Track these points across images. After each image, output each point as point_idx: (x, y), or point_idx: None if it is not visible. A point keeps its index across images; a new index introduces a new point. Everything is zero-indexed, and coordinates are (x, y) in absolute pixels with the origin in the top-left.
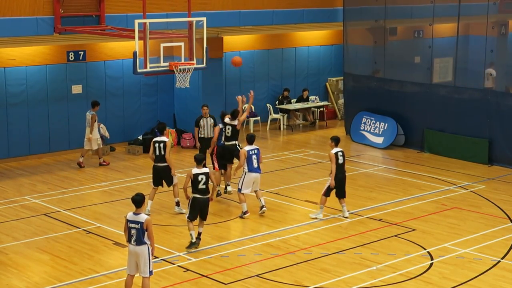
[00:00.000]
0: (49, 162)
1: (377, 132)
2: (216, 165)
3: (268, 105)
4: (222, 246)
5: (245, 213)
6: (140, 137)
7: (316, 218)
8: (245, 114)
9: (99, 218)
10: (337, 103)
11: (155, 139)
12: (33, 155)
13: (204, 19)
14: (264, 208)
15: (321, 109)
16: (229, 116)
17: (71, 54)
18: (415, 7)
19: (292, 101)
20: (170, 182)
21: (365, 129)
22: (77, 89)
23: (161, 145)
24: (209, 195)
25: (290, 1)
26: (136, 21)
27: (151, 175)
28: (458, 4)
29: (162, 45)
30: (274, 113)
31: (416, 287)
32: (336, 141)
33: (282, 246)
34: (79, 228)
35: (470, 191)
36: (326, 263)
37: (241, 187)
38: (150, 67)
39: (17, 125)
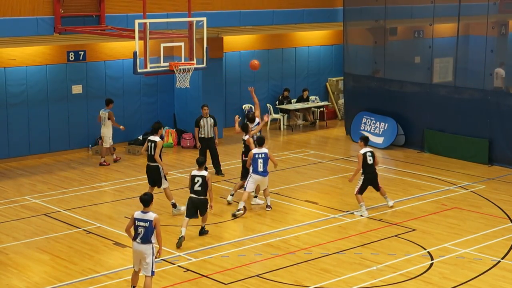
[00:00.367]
0: (49, 162)
1: (377, 132)
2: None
3: (268, 105)
4: (222, 246)
5: (238, 210)
6: (140, 137)
7: (361, 216)
8: (258, 127)
9: (99, 218)
10: (337, 103)
11: (149, 137)
12: (33, 155)
13: (204, 19)
14: (268, 208)
15: (321, 109)
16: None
17: (71, 54)
18: (415, 7)
19: (292, 101)
20: (159, 183)
21: (365, 129)
22: (77, 89)
23: (152, 144)
24: (205, 197)
25: (290, 1)
26: (136, 21)
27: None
28: (458, 4)
29: (162, 45)
30: (274, 113)
31: (416, 287)
32: (365, 140)
33: (282, 246)
34: (79, 228)
35: (470, 191)
36: (326, 263)
37: (246, 186)
38: (150, 67)
39: (17, 125)
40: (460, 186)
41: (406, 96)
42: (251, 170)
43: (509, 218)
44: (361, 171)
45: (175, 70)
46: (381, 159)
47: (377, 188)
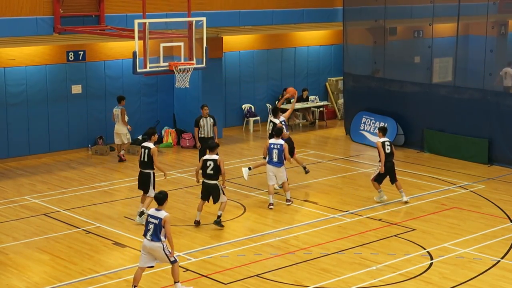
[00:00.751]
0: (48, 162)
1: (377, 132)
2: None
3: (268, 105)
4: (221, 246)
5: (269, 204)
6: (140, 137)
7: (380, 202)
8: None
9: (99, 218)
10: (337, 103)
11: (143, 143)
12: (33, 155)
13: (204, 19)
14: (288, 203)
15: (321, 109)
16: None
17: (71, 54)
18: (415, 7)
19: (291, 101)
20: (146, 190)
21: (365, 129)
22: (76, 89)
23: (146, 151)
24: (216, 181)
25: (290, 1)
26: (136, 21)
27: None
28: (458, 4)
29: (161, 45)
30: None
31: (416, 287)
32: (383, 131)
33: (282, 246)
34: (79, 228)
35: (470, 191)
36: (326, 263)
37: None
38: (150, 67)
39: (17, 125)
40: (460, 186)
41: (405, 96)
42: (266, 160)
43: (509, 218)
44: (379, 159)
45: (174, 70)
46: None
47: (394, 179)
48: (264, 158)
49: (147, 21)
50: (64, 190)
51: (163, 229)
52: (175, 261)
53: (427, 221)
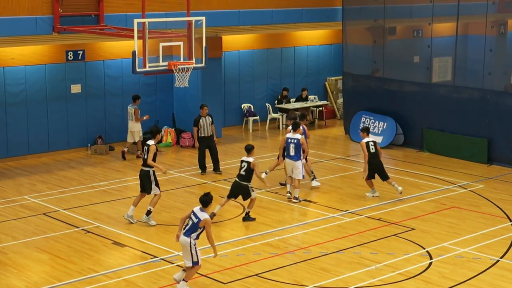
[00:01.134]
0: (48, 161)
1: (376, 131)
2: None
3: (267, 104)
4: (221, 245)
5: (295, 198)
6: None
7: (373, 196)
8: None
9: (98, 218)
10: (336, 102)
11: (146, 142)
12: (32, 155)
13: (203, 18)
14: (294, 200)
15: (320, 108)
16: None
17: (70, 54)
18: (414, 6)
19: (291, 100)
20: (148, 189)
21: None
22: (76, 88)
23: (146, 148)
24: (246, 182)
25: (289, 0)
26: (135, 21)
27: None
28: (457, 3)
29: (161, 44)
30: (273, 112)
31: (416, 287)
32: (366, 131)
33: (281, 246)
34: (78, 227)
35: (469, 190)
36: (325, 262)
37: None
38: (149, 67)
39: (16, 125)
40: (459, 186)
41: (405, 96)
42: (285, 154)
43: (508, 218)
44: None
45: (174, 70)
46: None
47: (385, 177)
48: (278, 158)
49: (146, 20)
50: (63, 190)
51: (198, 229)
52: (197, 263)
53: (427, 221)
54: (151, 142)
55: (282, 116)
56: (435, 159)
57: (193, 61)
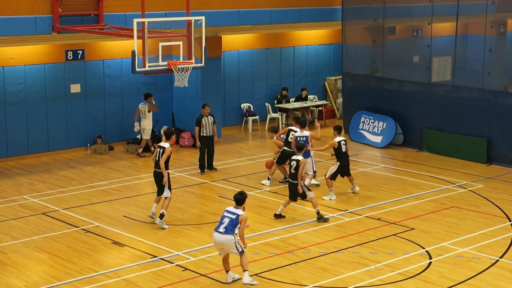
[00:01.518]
0: (47, 161)
1: (376, 131)
2: None
3: (266, 104)
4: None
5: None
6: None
7: (330, 200)
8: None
9: (98, 217)
10: (336, 102)
11: (160, 143)
12: (32, 155)
13: (203, 18)
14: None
15: (320, 108)
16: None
17: (70, 53)
18: (414, 6)
19: (290, 100)
20: (161, 191)
21: (364, 128)
22: (75, 88)
23: (161, 151)
24: (296, 181)
25: (289, 0)
26: (135, 20)
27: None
28: (457, 3)
29: (160, 44)
30: (273, 112)
31: (415, 286)
32: (339, 130)
33: (281, 245)
34: (78, 227)
35: (469, 190)
36: (325, 262)
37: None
38: (149, 66)
39: (15, 125)
40: (459, 185)
41: (404, 95)
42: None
43: (508, 217)
44: (336, 158)
45: (173, 69)
46: (380, 158)
47: (348, 173)
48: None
49: (146, 20)
50: (63, 189)
51: (238, 224)
52: (243, 251)
53: (426, 220)
54: (166, 145)
55: (281, 115)
56: (435, 159)
57: (193, 60)
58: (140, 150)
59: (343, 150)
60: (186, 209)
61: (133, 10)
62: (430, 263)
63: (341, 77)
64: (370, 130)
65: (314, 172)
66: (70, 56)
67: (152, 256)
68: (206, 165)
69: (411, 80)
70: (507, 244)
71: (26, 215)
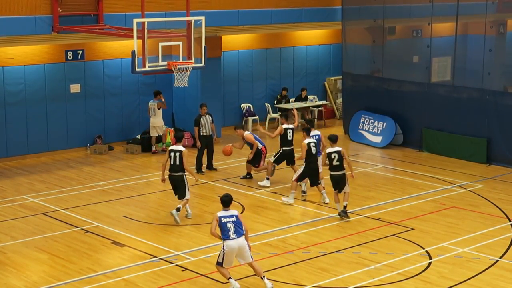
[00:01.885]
0: (47, 161)
1: (376, 131)
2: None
3: (266, 104)
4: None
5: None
6: (139, 136)
7: (287, 202)
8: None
9: (98, 217)
10: (336, 102)
11: (171, 147)
12: (32, 155)
13: (203, 18)
14: (324, 191)
15: (320, 108)
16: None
17: (70, 53)
18: (414, 6)
19: (290, 100)
20: (182, 195)
21: (364, 128)
22: (75, 88)
23: (177, 154)
24: (343, 171)
25: (289, 0)
26: (135, 20)
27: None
28: (457, 3)
29: (160, 44)
30: (273, 112)
31: (415, 287)
32: (307, 131)
33: (281, 246)
34: (78, 227)
35: (469, 190)
36: (325, 262)
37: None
38: (149, 66)
39: (15, 124)
40: (459, 186)
41: (404, 96)
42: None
43: (507, 217)
44: (304, 160)
45: (173, 69)
46: (380, 158)
47: (316, 182)
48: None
49: (145, 20)
50: (62, 189)
51: (242, 224)
52: (251, 257)
53: (426, 221)
54: (181, 148)
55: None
56: (435, 159)
57: (193, 61)
58: (153, 147)
59: (313, 151)
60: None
61: (133, 10)
62: (429, 263)
63: (341, 77)
64: (370, 130)
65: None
66: (70, 56)
67: (152, 256)
68: (207, 164)
69: (411, 80)
70: (506, 244)
71: (25, 215)
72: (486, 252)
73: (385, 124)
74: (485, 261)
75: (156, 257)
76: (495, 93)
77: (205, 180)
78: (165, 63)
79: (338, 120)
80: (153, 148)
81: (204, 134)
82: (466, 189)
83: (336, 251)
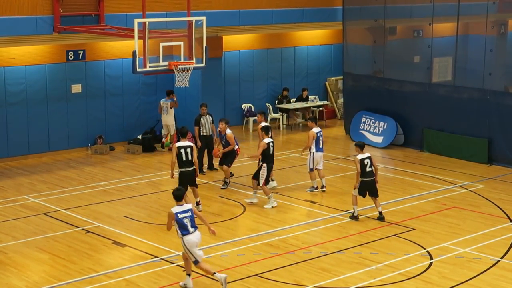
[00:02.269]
0: (48, 161)
1: (377, 131)
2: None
3: (267, 104)
4: (221, 245)
5: (314, 188)
6: (140, 137)
7: (251, 203)
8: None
9: (98, 218)
10: (337, 102)
11: (179, 144)
12: (33, 155)
13: (204, 18)
14: (324, 188)
15: (321, 108)
16: None
17: (71, 54)
18: (415, 6)
19: (291, 100)
20: (196, 184)
21: (365, 129)
22: (76, 88)
23: (188, 150)
24: (374, 178)
25: (290, 0)
26: (136, 20)
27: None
28: (458, 3)
29: (161, 44)
30: (274, 112)
31: (416, 287)
32: (266, 130)
33: (282, 246)
34: (79, 227)
35: (470, 190)
36: (326, 262)
37: (312, 166)
38: (150, 67)
39: (16, 125)
40: (460, 186)
41: (405, 96)
42: (313, 150)
43: (508, 218)
44: (265, 161)
45: (174, 70)
46: (381, 158)
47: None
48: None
49: (147, 20)
50: (63, 190)
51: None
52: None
53: (427, 221)
54: (190, 143)
55: (282, 116)
56: (435, 159)
57: (194, 61)
58: (171, 145)
59: (270, 152)
60: None
61: (134, 10)
62: (430, 263)
63: (342, 77)
64: (371, 130)
65: (311, 169)
66: (71, 56)
67: (152, 256)
68: (208, 164)
69: (411, 81)
70: (507, 245)
71: (27, 215)
72: (487, 252)
73: (386, 124)
74: (486, 262)
75: (157, 257)
76: (496, 93)
77: (205, 180)
78: (166, 63)
79: (339, 120)
80: (171, 145)
81: (204, 134)
82: (467, 189)
83: (337, 251)
